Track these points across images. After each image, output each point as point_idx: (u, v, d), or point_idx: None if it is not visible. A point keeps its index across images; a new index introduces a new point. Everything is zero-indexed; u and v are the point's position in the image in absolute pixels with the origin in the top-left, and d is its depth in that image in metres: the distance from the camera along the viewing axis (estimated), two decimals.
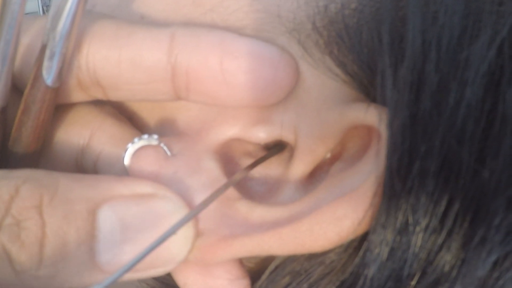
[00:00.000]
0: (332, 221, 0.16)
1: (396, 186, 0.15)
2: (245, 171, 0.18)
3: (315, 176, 0.19)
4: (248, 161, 0.20)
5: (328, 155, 0.19)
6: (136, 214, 0.17)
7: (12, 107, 0.18)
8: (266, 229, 0.17)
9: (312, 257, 0.18)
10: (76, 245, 0.16)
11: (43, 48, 0.17)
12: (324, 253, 0.18)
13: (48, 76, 0.17)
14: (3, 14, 0.16)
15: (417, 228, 0.15)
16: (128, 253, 0.17)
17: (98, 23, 0.18)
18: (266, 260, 0.20)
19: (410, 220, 0.15)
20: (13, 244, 0.15)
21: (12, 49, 0.17)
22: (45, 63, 0.17)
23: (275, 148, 0.20)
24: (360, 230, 0.16)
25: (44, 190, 0.16)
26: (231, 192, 0.18)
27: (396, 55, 0.15)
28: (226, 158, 0.20)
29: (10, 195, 0.16)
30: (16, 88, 0.19)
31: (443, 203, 0.14)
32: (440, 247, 0.14)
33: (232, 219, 0.18)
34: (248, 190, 0.19)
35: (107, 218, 0.17)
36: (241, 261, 0.19)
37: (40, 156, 0.19)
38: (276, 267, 0.19)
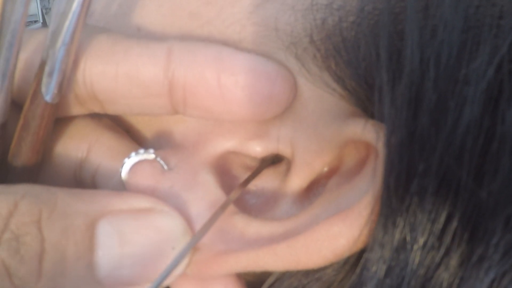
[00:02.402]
0: (327, 238, 0.16)
1: (394, 204, 0.15)
2: (242, 187, 0.18)
3: (312, 190, 0.19)
4: (245, 174, 0.20)
5: (325, 169, 0.19)
6: (134, 228, 0.17)
7: (11, 122, 0.18)
8: (261, 245, 0.17)
9: (309, 273, 0.18)
10: (75, 259, 0.16)
11: (42, 64, 0.17)
12: (321, 269, 0.18)
13: (47, 92, 0.18)
14: (4, 31, 0.16)
15: (415, 246, 0.15)
16: (127, 267, 0.17)
17: (94, 38, 0.18)
18: (265, 274, 0.20)
19: (408, 237, 0.15)
20: (12, 259, 0.15)
21: (12, 66, 0.17)
22: (44, 79, 0.17)
23: (268, 160, 0.20)
24: (356, 248, 0.16)
25: (42, 205, 0.16)
26: (228, 206, 0.18)
27: (394, 71, 0.15)
28: (223, 170, 0.20)
29: (9, 210, 0.16)
30: (15, 103, 0.19)
31: (441, 220, 0.14)
32: (438, 265, 0.14)
33: (228, 234, 0.18)
34: (245, 204, 0.19)
35: (105, 232, 0.17)
36: (238, 276, 0.19)
37: (39, 170, 0.19)
38: (274, 282, 0.19)
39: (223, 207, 0.18)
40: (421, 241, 0.14)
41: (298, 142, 0.18)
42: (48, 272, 0.16)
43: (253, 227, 0.18)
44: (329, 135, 0.18)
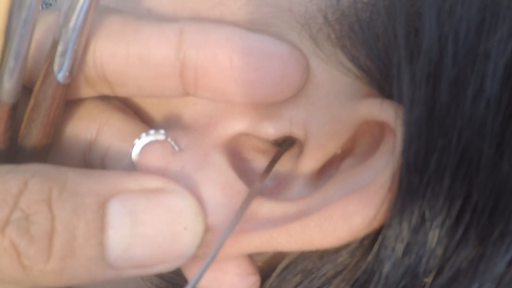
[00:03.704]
0: (342, 217, 0.16)
1: (413, 181, 0.15)
2: (264, 176, 0.18)
3: (325, 172, 0.19)
4: (257, 156, 0.20)
5: (339, 151, 0.19)
6: (146, 208, 0.17)
7: (20, 103, 0.18)
8: (274, 225, 0.17)
9: (324, 255, 0.18)
10: (85, 239, 0.16)
11: (55, 44, 0.17)
12: (336, 251, 0.17)
13: (60, 72, 0.17)
14: (20, 9, 0.16)
15: (434, 224, 0.14)
16: (139, 247, 0.16)
17: (105, 19, 0.18)
18: (276, 259, 0.20)
19: (427, 215, 0.14)
20: (22, 239, 0.15)
21: (26, 45, 0.17)
22: (57, 59, 0.17)
23: (286, 144, 0.19)
24: (372, 228, 0.16)
25: (53, 184, 0.16)
26: (240, 186, 0.18)
27: (411, 48, 0.15)
28: (234, 152, 0.19)
29: (19, 189, 0.16)
30: (24, 84, 0.18)
31: (461, 197, 0.14)
32: (458, 243, 0.14)
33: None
34: None
35: (117, 212, 0.16)
36: (251, 257, 0.19)
37: (49, 152, 0.19)
38: (287, 265, 0.19)
39: (251, 195, 0.17)
40: (440, 218, 0.14)
41: (311, 124, 0.18)
42: (58, 252, 0.16)
43: (266, 207, 0.18)
44: (343, 116, 0.17)
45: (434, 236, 0.14)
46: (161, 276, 0.22)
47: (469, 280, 0.14)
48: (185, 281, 0.20)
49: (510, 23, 0.14)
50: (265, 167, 0.18)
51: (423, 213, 0.14)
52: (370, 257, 0.16)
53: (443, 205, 0.14)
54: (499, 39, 0.14)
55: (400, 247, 0.15)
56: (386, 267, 0.15)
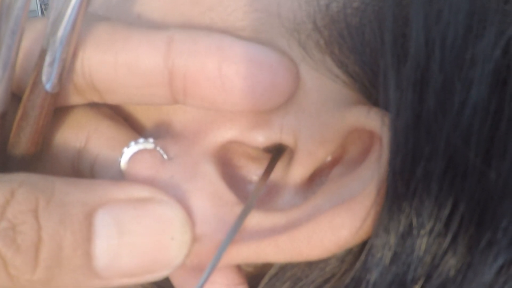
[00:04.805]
0: (329, 229, 0.16)
1: (399, 189, 0.14)
2: (261, 185, 0.18)
3: (315, 180, 0.19)
4: (247, 163, 0.19)
5: (329, 158, 0.18)
6: (133, 218, 0.17)
7: (9, 112, 0.18)
8: (263, 236, 0.17)
9: (313, 263, 0.18)
10: (72, 249, 0.16)
11: (43, 53, 0.17)
12: (325, 259, 0.17)
13: (48, 81, 0.17)
14: (7, 19, 0.16)
15: (422, 232, 0.14)
16: (126, 257, 0.16)
17: (93, 27, 0.18)
18: (266, 265, 0.20)
19: (414, 223, 0.14)
20: (9, 248, 0.15)
21: (14, 53, 0.17)
22: (45, 69, 0.17)
23: (278, 152, 0.19)
24: (359, 239, 0.16)
25: (40, 194, 0.16)
26: (229, 196, 0.18)
27: (398, 54, 0.15)
28: (224, 161, 0.19)
29: (6, 198, 0.16)
30: (13, 93, 0.18)
31: (448, 205, 0.14)
32: (446, 251, 0.14)
33: (229, 225, 0.18)
34: (247, 194, 0.19)
35: (103, 222, 0.16)
36: (239, 267, 0.19)
37: (38, 161, 0.19)
38: (276, 273, 0.19)
39: (248, 206, 0.17)
40: (427, 226, 0.14)
41: (301, 131, 0.18)
42: (44, 261, 0.15)
43: (255, 218, 0.18)
44: (332, 123, 0.17)
45: (422, 244, 0.14)
46: (152, 282, 0.21)
47: None
48: None
49: (497, 28, 0.14)
50: (259, 178, 0.18)
51: (411, 221, 0.14)
52: (358, 265, 0.16)
53: (430, 213, 0.14)
54: (486, 44, 0.14)
55: (387, 255, 0.15)
56: (374, 275, 0.15)
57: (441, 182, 0.14)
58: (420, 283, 0.15)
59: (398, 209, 0.14)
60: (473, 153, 0.13)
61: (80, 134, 0.19)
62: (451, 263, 0.14)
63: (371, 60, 0.16)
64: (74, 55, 0.17)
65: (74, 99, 0.19)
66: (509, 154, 0.13)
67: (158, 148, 0.18)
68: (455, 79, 0.14)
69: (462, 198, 0.14)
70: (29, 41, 0.18)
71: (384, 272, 0.15)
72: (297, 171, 0.18)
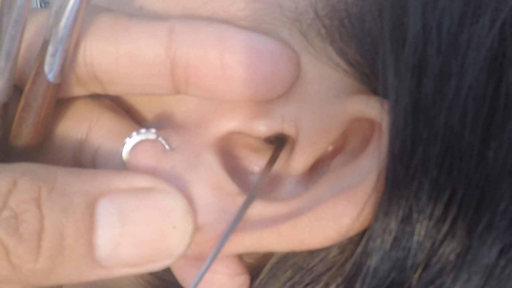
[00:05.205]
0: (331, 218, 0.16)
1: (399, 173, 0.15)
2: (264, 176, 0.18)
3: (316, 170, 0.19)
4: (249, 153, 0.20)
5: (330, 148, 0.19)
6: (135, 207, 0.17)
7: (11, 103, 0.18)
8: (265, 226, 0.17)
9: (314, 252, 0.18)
10: (74, 238, 0.16)
11: (45, 44, 0.17)
12: (326, 248, 0.17)
13: (50, 72, 0.17)
14: (10, 9, 0.16)
15: (421, 216, 0.14)
16: (128, 247, 0.16)
17: (95, 18, 0.18)
18: (267, 256, 0.20)
19: (414, 207, 0.14)
20: (11, 237, 0.15)
21: (17, 45, 0.17)
22: (47, 59, 0.17)
23: (280, 142, 0.19)
24: (361, 227, 0.16)
25: (42, 183, 0.16)
26: (231, 187, 0.18)
27: (397, 40, 0.15)
28: (226, 151, 0.19)
29: (8, 188, 0.16)
30: (15, 84, 0.19)
31: (448, 189, 0.14)
32: (445, 235, 0.14)
33: (231, 215, 0.18)
34: (248, 184, 0.19)
35: (106, 211, 0.16)
36: (240, 257, 0.19)
37: (39, 152, 0.19)
38: (278, 261, 0.19)
39: (250, 197, 0.17)
40: (427, 210, 0.14)
41: (302, 121, 0.18)
42: (47, 251, 0.16)
43: (257, 208, 0.18)
44: (334, 112, 0.18)
45: (421, 228, 0.14)
46: (153, 273, 0.21)
47: (457, 273, 0.14)
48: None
49: (492, 13, 0.14)
50: (262, 168, 0.18)
51: (410, 205, 0.14)
52: (358, 250, 0.16)
53: (430, 197, 0.14)
54: (480, 28, 0.14)
55: (388, 240, 0.15)
56: (374, 260, 0.15)
57: (440, 165, 0.14)
58: (420, 267, 0.15)
59: (398, 193, 0.15)
60: (470, 135, 0.13)
61: (81, 125, 0.19)
62: (451, 247, 0.14)
63: (372, 48, 0.16)
64: (76, 45, 0.18)
65: (76, 90, 0.19)
66: (507, 137, 0.13)
67: (160, 139, 0.18)
68: (452, 63, 0.14)
69: (461, 181, 0.14)
70: (31, 32, 0.18)
71: (384, 257, 0.15)
72: (299, 161, 0.18)
